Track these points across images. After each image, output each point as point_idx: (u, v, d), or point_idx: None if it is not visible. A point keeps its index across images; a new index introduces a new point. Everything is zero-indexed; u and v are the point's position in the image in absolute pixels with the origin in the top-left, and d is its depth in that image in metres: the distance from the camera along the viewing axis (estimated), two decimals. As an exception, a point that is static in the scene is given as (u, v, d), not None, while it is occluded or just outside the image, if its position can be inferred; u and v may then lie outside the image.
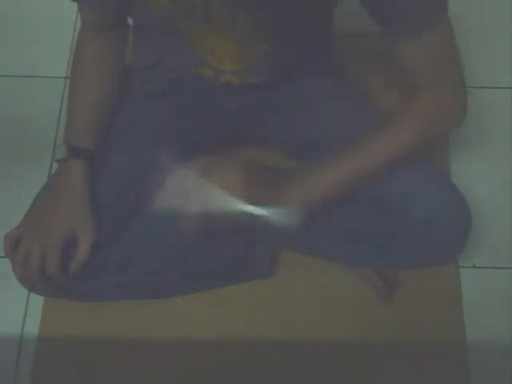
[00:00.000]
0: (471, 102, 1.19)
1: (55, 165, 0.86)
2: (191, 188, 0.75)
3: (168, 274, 0.94)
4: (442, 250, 0.88)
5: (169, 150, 0.97)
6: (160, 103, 0.93)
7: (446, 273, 1.04)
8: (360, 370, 0.99)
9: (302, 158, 0.96)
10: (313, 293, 1.02)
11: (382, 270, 1.02)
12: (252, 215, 0.75)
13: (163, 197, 1.00)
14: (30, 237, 0.81)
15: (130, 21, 0.89)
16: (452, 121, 0.81)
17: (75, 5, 0.84)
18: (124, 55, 0.90)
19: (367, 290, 1.02)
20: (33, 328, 1.01)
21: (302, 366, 0.99)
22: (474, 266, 1.06)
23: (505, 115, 1.18)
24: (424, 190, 0.85)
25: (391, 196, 0.85)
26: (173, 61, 0.88)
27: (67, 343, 1.00)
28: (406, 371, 0.98)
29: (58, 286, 0.84)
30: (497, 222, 1.08)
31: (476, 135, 1.16)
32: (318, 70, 0.93)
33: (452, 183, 0.91)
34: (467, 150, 1.15)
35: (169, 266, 0.93)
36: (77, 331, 1.00)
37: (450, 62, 0.77)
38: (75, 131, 0.85)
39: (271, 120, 0.95)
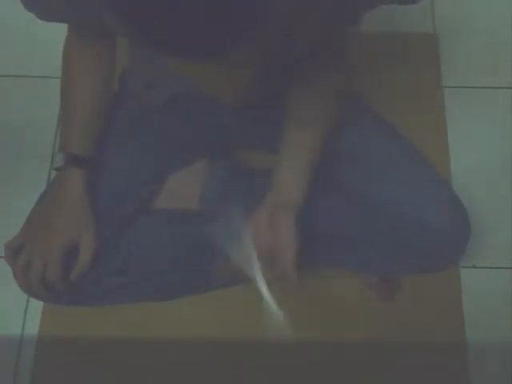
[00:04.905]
0: (472, 102, 1.20)
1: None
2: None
3: (168, 278, 0.94)
4: (441, 257, 0.89)
5: (168, 154, 0.97)
6: (159, 112, 0.93)
7: (446, 273, 1.04)
8: (360, 369, 0.99)
9: None
10: (313, 293, 1.02)
11: (382, 272, 1.03)
12: None
13: (163, 201, 1.01)
14: (31, 245, 0.81)
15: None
16: None
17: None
18: (115, 55, 0.88)
19: (367, 290, 1.02)
20: (33, 328, 1.01)
21: (301, 365, 0.99)
22: (474, 266, 1.06)
23: (505, 115, 1.18)
24: (422, 196, 0.86)
25: (389, 202, 0.86)
26: (169, 80, 0.87)
27: (67, 343, 1.00)
28: (406, 371, 0.98)
29: (59, 292, 0.84)
30: (497, 222, 1.08)
31: (476, 135, 1.16)
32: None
33: (452, 190, 0.91)
34: (467, 149, 1.15)
35: (169, 269, 0.93)
36: (77, 331, 1.00)
37: None
38: (71, 139, 0.84)
39: (270, 128, 0.95)
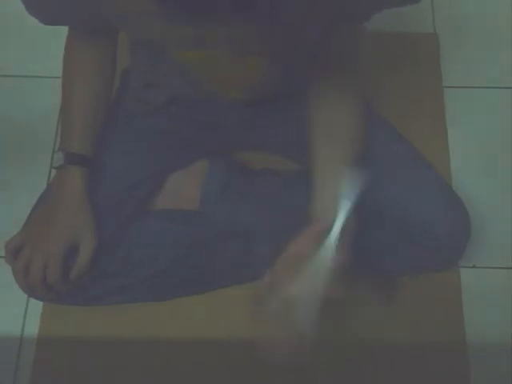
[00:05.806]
0: (472, 102, 1.20)
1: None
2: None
3: (168, 278, 0.94)
4: (441, 258, 0.89)
5: (167, 154, 0.97)
6: (159, 111, 0.93)
7: (446, 273, 1.04)
8: (360, 369, 0.99)
9: (302, 162, 0.97)
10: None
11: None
12: None
13: (163, 201, 1.01)
14: (31, 244, 0.81)
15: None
16: None
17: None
18: (115, 55, 0.88)
19: (367, 290, 1.02)
20: (33, 328, 1.01)
21: (301, 365, 0.98)
22: (474, 266, 1.06)
23: (505, 115, 1.18)
24: (423, 198, 0.86)
25: (389, 203, 0.86)
26: (170, 80, 0.87)
27: (67, 343, 1.00)
28: (406, 371, 0.98)
29: (59, 292, 0.84)
30: (497, 222, 1.08)
31: (476, 135, 1.16)
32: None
33: (452, 190, 0.91)
34: (467, 150, 1.15)
35: (169, 269, 0.93)
36: (77, 331, 1.00)
37: None
38: (71, 138, 0.84)
39: (272, 128, 0.95)
